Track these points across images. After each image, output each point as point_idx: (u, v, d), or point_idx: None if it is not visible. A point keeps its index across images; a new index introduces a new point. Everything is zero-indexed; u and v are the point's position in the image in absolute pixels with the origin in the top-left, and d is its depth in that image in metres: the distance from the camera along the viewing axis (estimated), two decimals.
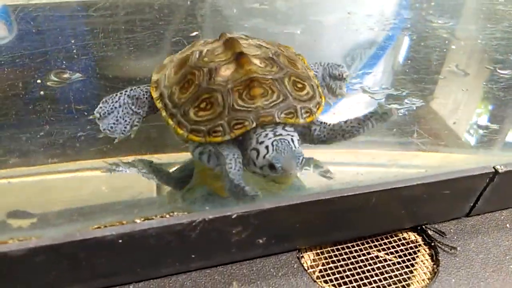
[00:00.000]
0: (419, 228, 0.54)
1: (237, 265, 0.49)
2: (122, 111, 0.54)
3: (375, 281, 0.49)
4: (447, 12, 0.99)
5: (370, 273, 0.49)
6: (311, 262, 0.51)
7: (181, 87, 0.49)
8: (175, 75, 0.51)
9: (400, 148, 0.59)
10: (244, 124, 0.46)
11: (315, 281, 0.48)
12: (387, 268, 0.50)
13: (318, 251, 0.52)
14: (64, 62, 0.73)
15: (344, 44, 0.60)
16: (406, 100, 0.67)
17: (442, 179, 0.49)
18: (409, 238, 0.54)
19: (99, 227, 0.42)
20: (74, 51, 0.77)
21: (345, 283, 0.48)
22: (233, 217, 0.44)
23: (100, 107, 0.54)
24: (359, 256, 0.51)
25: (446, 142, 0.61)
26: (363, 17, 0.92)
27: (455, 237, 0.53)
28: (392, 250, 0.52)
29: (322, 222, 0.49)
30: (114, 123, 0.54)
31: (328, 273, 0.49)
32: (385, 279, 0.49)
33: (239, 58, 0.48)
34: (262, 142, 0.46)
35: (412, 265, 0.51)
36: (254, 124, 0.46)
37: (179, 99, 0.48)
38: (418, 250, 0.53)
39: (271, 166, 0.45)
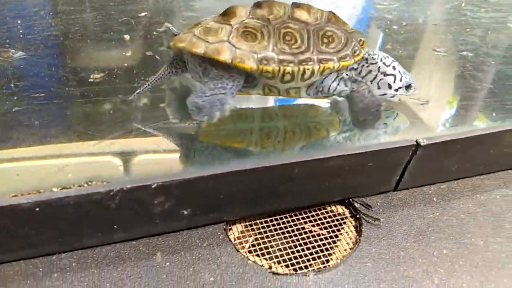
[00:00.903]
0: (347, 201, 0.56)
1: (163, 236, 0.49)
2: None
3: (298, 251, 0.50)
4: None
5: (294, 243, 0.51)
6: (238, 234, 0.51)
7: (287, 40, 0.53)
8: (257, 41, 0.53)
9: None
10: (363, 40, 0.56)
11: (238, 251, 0.49)
12: (312, 239, 0.51)
13: (247, 223, 0.53)
14: (8, 41, 0.73)
15: None
16: None
17: (363, 151, 0.50)
18: (337, 211, 0.55)
19: (16, 196, 0.42)
20: (20, 31, 0.77)
21: (268, 253, 0.49)
22: (153, 186, 0.44)
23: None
24: (286, 228, 0.53)
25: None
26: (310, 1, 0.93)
27: (381, 210, 0.55)
28: (319, 222, 0.54)
29: (248, 194, 0.50)
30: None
31: (254, 244, 0.50)
32: (308, 249, 0.50)
33: (299, 5, 0.54)
34: (394, 68, 0.56)
35: (337, 236, 0.52)
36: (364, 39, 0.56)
37: (299, 47, 0.53)
38: (344, 222, 0.54)
39: (408, 86, 0.57)
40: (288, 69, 0.52)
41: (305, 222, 0.54)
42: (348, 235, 0.52)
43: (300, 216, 0.54)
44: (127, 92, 0.60)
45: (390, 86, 0.57)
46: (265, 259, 0.49)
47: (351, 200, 0.55)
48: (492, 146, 0.56)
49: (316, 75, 0.54)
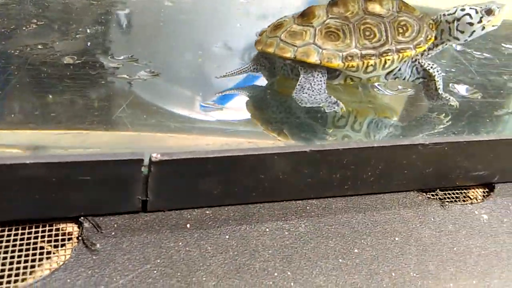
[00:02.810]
0: (80, 219, 0.47)
1: None
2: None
3: None
4: None
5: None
6: None
7: (367, 35, 0.58)
8: (340, 39, 0.58)
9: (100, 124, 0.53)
10: (432, 23, 0.62)
11: None
12: (21, 259, 0.43)
13: None
14: None
15: None
16: (141, 72, 0.66)
17: (62, 161, 0.41)
18: (66, 230, 0.47)
19: None
20: None
21: None
22: None
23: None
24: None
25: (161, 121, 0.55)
26: None
27: (113, 233, 0.46)
28: (41, 240, 0.45)
29: None
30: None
31: None
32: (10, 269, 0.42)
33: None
34: (463, 9, 0.61)
35: (40, 260, 0.44)
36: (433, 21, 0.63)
37: (378, 40, 0.59)
38: (64, 244, 0.45)
39: (489, 11, 0.60)
40: (371, 62, 0.58)
41: (27, 239, 0.45)
42: (52, 260, 0.44)
43: (24, 232, 0.46)
44: None
45: (471, 23, 0.61)
46: None
47: (81, 219, 0.47)
48: (260, 171, 0.48)
49: (395, 63, 0.60)
